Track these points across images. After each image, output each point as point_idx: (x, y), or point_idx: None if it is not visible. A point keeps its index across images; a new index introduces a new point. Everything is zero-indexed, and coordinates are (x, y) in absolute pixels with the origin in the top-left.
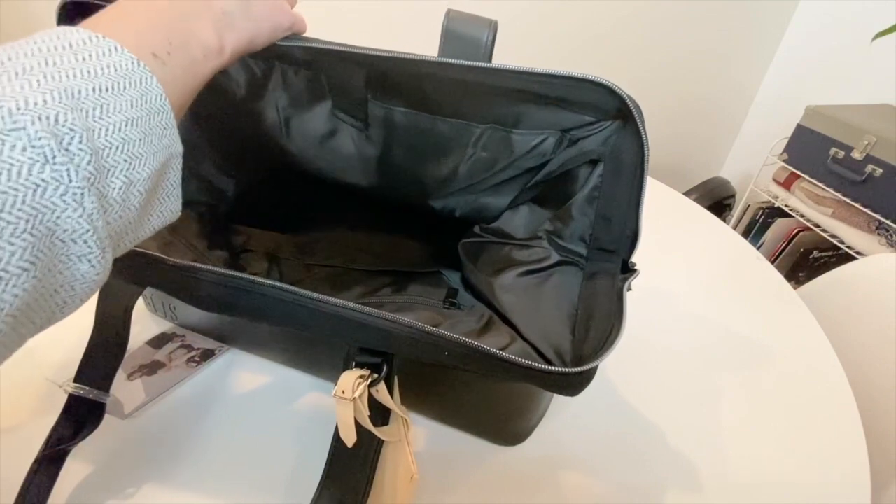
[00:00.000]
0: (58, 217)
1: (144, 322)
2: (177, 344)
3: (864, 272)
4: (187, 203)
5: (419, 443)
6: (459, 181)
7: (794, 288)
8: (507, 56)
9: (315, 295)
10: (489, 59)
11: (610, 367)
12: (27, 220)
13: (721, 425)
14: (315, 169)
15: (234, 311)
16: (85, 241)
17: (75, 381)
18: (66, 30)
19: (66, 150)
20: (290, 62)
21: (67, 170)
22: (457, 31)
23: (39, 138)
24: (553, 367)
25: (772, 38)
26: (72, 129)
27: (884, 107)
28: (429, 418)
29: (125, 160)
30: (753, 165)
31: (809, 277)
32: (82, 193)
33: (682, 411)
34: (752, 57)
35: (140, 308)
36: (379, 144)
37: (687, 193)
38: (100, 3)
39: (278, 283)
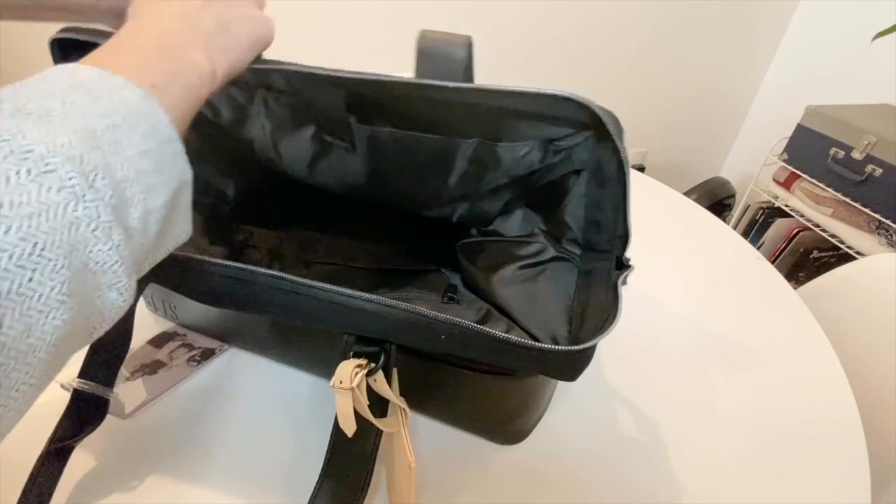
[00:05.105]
0: (90, 251)
1: (145, 321)
2: (177, 343)
3: (864, 272)
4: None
5: (419, 441)
6: (450, 192)
7: (794, 288)
8: (507, 58)
9: (313, 282)
10: (470, 76)
11: (609, 366)
12: (65, 257)
13: (721, 425)
14: (309, 184)
15: (234, 302)
16: (114, 272)
17: (79, 376)
18: (77, 68)
19: (92, 187)
20: (271, 89)
21: (97, 206)
22: (432, 51)
23: (70, 178)
24: (551, 346)
25: (772, 38)
26: (95, 167)
27: (884, 107)
28: (429, 417)
29: (141, 191)
30: (753, 165)
31: (809, 277)
32: (110, 227)
33: (682, 411)
34: (752, 57)
35: (141, 308)
36: (367, 163)
37: (687, 193)
38: (87, 39)
39: (277, 272)
